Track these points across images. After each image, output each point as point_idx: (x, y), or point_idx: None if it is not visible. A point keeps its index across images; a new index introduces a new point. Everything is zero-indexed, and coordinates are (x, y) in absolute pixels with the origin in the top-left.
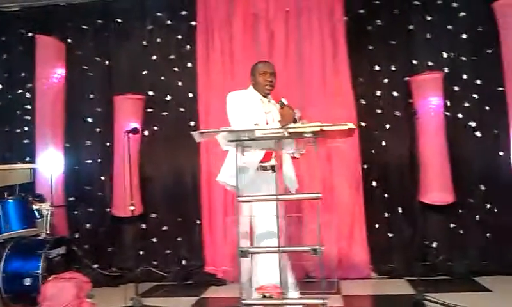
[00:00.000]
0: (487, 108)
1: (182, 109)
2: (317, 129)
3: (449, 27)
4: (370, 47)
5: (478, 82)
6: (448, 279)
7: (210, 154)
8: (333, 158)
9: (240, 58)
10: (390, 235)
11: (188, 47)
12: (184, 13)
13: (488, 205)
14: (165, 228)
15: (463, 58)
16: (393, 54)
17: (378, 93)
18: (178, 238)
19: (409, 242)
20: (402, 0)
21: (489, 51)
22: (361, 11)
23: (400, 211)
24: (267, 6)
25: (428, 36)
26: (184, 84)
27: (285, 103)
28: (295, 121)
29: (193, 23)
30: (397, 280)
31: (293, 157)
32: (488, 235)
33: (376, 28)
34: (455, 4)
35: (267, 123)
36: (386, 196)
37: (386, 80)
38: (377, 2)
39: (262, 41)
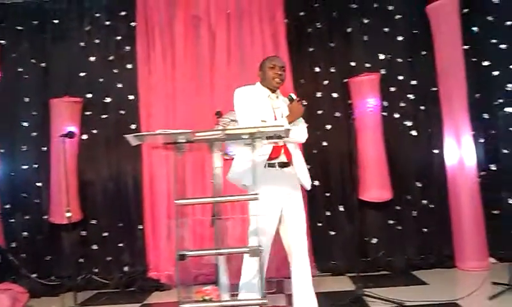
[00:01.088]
0: (422, 108)
1: (122, 112)
2: (254, 130)
3: (385, 29)
4: (311, 49)
5: (413, 82)
6: (388, 274)
7: (153, 157)
8: None
9: (182, 59)
10: (332, 232)
11: (128, 47)
12: (123, 13)
13: (424, 201)
14: (106, 234)
15: (399, 60)
16: (332, 56)
17: (319, 94)
18: (120, 244)
19: (350, 239)
20: (341, 4)
21: (424, 53)
22: (302, 13)
23: (341, 209)
24: (208, 7)
25: (365, 38)
26: (124, 85)
27: (294, 98)
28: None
29: (133, 24)
30: (340, 277)
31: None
32: (424, 230)
33: (316, 30)
34: (391, 8)
35: (275, 119)
36: (327, 194)
37: (326, 82)
38: (317, 5)
39: (203, 42)
